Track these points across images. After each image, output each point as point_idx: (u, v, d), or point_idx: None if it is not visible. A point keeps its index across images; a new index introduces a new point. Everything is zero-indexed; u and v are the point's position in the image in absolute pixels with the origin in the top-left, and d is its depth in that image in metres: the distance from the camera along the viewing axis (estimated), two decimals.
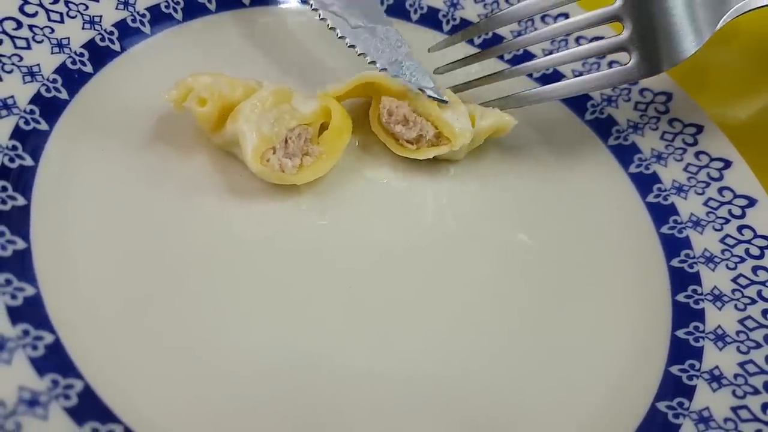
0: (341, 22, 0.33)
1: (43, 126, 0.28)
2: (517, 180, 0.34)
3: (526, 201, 0.33)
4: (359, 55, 0.32)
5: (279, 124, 0.29)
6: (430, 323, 0.28)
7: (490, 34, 0.40)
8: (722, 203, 0.33)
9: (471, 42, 0.40)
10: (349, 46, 0.33)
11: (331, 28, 0.33)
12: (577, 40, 0.39)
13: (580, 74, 0.38)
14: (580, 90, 0.33)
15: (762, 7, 0.31)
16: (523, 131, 0.36)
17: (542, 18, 0.40)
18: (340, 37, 0.33)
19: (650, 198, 0.34)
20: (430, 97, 0.32)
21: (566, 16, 0.39)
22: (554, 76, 0.39)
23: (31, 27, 0.30)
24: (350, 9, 0.34)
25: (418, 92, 0.32)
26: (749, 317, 0.29)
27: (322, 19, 0.33)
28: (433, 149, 0.32)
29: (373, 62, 0.32)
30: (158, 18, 0.34)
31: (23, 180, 0.26)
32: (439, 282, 0.29)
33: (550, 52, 0.39)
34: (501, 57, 0.39)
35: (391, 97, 0.32)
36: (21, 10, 0.30)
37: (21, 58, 0.29)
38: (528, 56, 0.39)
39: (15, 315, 0.23)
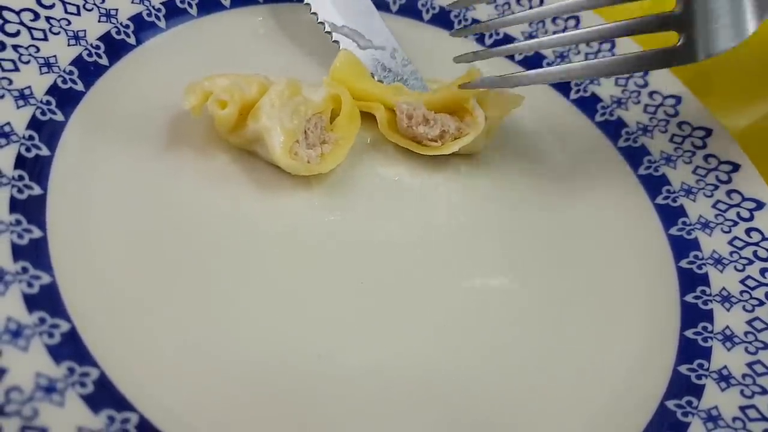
0: (351, 44, 0.35)
1: (60, 117, 0.28)
2: (527, 179, 0.34)
3: (535, 201, 0.34)
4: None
5: (297, 116, 0.29)
6: (439, 320, 0.28)
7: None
8: (730, 206, 0.33)
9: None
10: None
11: (342, 49, 0.35)
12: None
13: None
14: (621, 71, 0.30)
15: None
16: (534, 132, 0.36)
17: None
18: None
19: (659, 200, 0.35)
20: None
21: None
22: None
23: (48, 18, 0.30)
24: (360, 30, 0.35)
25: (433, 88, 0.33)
26: (757, 318, 0.30)
27: (335, 41, 0.35)
28: (458, 141, 0.32)
29: (380, 81, 0.34)
30: (173, 12, 0.34)
31: (40, 170, 0.26)
32: (448, 279, 0.29)
33: (560, 56, 0.39)
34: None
35: (405, 100, 0.32)
36: (38, 1, 0.30)
37: (38, 49, 0.29)
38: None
39: (31, 303, 0.23)
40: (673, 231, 0.33)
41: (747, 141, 0.36)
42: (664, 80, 0.38)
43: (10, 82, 0.27)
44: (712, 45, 0.28)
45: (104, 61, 0.31)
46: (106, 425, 0.21)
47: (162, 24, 0.34)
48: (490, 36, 0.40)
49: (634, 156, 0.36)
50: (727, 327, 0.29)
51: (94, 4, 0.32)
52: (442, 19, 0.40)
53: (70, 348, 0.22)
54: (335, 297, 0.27)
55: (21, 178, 0.26)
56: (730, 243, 0.32)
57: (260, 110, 0.28)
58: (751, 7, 0.28)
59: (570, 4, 0.30)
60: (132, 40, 0.32)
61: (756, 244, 0.32)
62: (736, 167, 0.35)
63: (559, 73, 0.31)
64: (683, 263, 0.32)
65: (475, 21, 0.40)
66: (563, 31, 0.39)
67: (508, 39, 0.40)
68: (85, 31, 0.31)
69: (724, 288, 0.31)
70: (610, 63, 0.30)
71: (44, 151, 0.27)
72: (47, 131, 0.28)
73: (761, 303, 0.30)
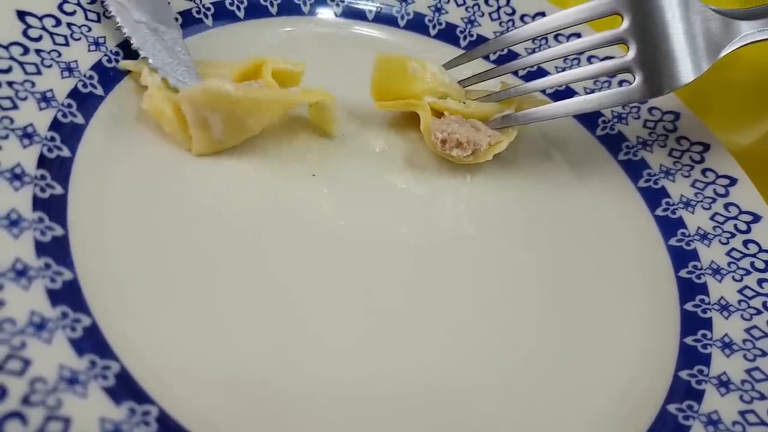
0: (125, 12, 0.32)
1: (80, 120, 0.29)
2: (531, 190, 0.35)
3: (540, 211, 0.34)
4: (133, 47, 0.32)
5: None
6: (444, 324, 0.29)
7: (505, 50, 0.41)
8: (728, 218, 0.34)
9: (486, 57, 0.41)
10: (125, 38, 0.32)
11: (110, 15, 0.32)
12: (589, 59, 0.40)
13: (592, 91, 0.39)
14: (584, 109, 0.33)
15: (759, 41, 0.32)
16: (537, 144, 0.38)
17: (555, 37, 0.41)
18: (117, 28, 0.32)
19: (659, 211, 0.36)
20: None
21: (578, 35, 0.40)
22: (565, 93, 0.40)
23: (69, 25, 0.31)
24: (138, 3, 0.33)
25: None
26: (755, 327, 0.30)
27: (103, 4, 0.32)
28: (492, 149, 0.34)
29: (145, 58, 0.32)
30: (189, 22, 0.35)
31: (61, 169, 0.27)
32: (454, 286, 0.30)
33: (563, 69, 0.40)
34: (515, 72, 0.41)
35: (435, 119, 0.34)
36: (60, 8, 0.31)
37: (59, 54, 0.30)
38: (540, 71, 0.41)
39: (54, 298, 0.23)
40: (673, 242, 0.34)
41: (745, 162, 0.37)
42: (663, 97, 0.39)
43: (33, 84, 0.28)
44: (675, 80, 0.32)
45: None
46: (128, 416, 0.21)
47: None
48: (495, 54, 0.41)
49: (634, 169, 0.37)
50: (726, 335, 0.30)
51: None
52: (448, 35, 0.42)
53: (92, 342, 0.23)
54: (342, 299, 0.28)
55: (43, 177, 0.26)
56: (728, 254, 0.33)
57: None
58: (704, 49, 0.32)
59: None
60: None
61: (753, 255, 0.33)
62: (733, 181, 0.36)
63: (525, 117, 0.34)
64: (683, 273, 0.33)
65: (480, 37, 0.41)
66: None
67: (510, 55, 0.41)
68: (104, 37, 0.32)
69: (722, 297, 0.32)
70: (579, 102, 0.33)
71: (65, 152, 0.28)
72: (68, 133, 0.28)
73: (759, 312, 0.31)
